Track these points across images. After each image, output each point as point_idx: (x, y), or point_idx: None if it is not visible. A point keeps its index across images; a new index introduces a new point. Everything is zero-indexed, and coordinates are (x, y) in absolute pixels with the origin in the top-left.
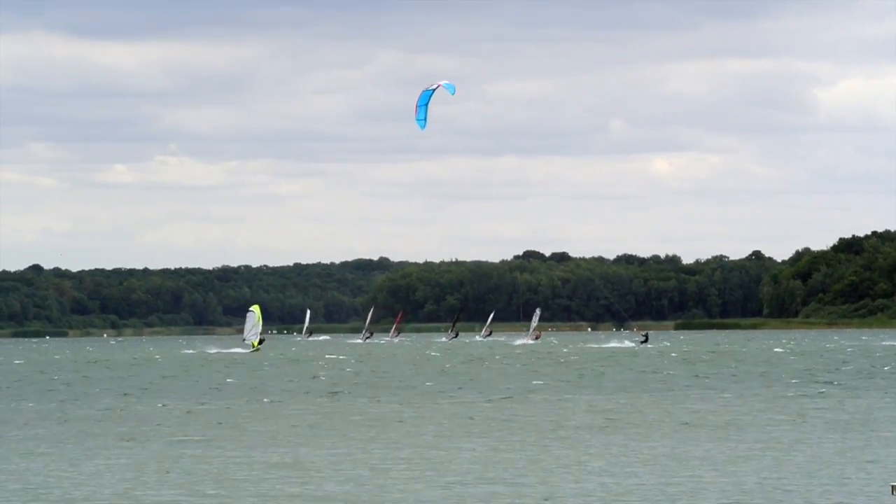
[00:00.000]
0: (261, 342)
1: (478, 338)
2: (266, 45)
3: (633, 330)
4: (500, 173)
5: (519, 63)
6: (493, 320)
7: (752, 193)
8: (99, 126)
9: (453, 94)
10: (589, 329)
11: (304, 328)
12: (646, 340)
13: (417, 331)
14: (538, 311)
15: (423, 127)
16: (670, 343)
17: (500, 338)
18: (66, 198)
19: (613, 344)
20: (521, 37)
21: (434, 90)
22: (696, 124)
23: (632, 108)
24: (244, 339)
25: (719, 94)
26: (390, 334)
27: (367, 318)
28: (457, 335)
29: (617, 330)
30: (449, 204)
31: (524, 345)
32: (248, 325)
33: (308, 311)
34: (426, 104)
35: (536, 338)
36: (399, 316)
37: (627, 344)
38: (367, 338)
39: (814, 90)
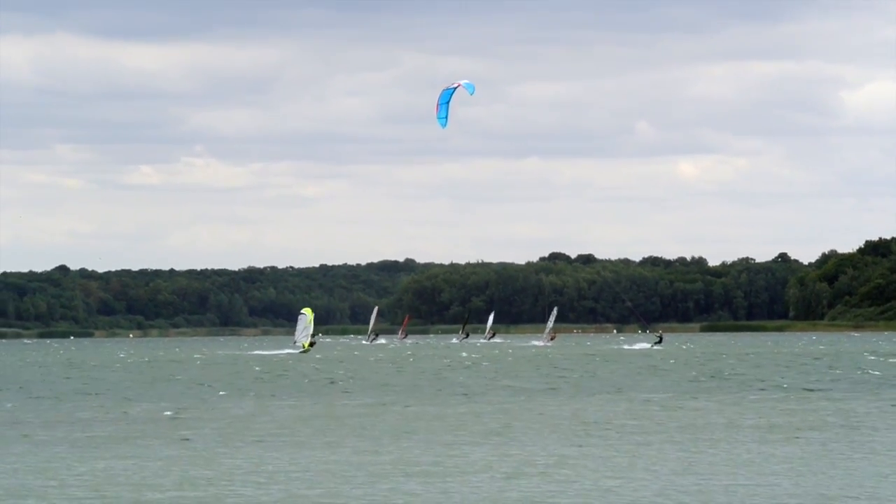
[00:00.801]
0: (312, 344)
1: (481, 340)
2: (291, 48)
3: (658, 332)
4: (525, 175)
5: (544, 65)
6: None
7: (778, 196)
8: (125, 128)
9: (472, 94)
10: (615, 331)
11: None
12: (660, 341)
13: (444, 332)
14: (555, 312)
15: (444, 125)
16: (686, 345)
17: (498, 340)
18: (92, 199)
19: (635, 346)
20: (545, 39)
21: (454, 89)
22: (722, 127)
23: (657, 111)
24: (295, 342)
25: (745, 97)
26: (398, 336)
27: (371, 321)
28: (468, 336)
29: (642, 332)
30: (474, 206)
31: (539, 346)
32: (299, 327)
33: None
34: (447, 103)
35: (552, 339)
36: (406, 318)
37: (642, 346)
38: (372, 339)
39: (840, 93)
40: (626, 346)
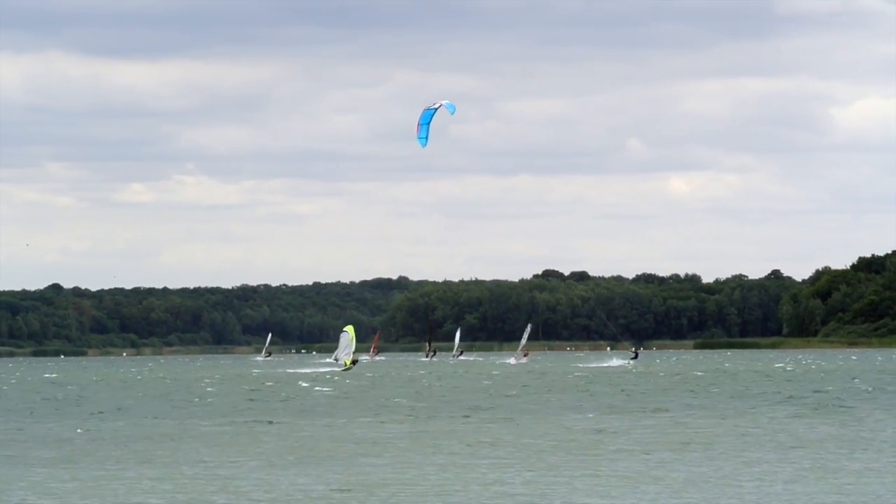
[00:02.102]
0: (354, 362)
1: (450, 359)
2: (283, 65)
3: (633, 349)
4: (518, 192)
5: (536, 82)
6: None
7: (771, 212)
8: (116, 145)
9: (453, 114)
10: (608, 348)
11: (264, 349)
12: (635, 358)
13: (440, 350)
14: (528, 329)
15: (424, 145)
16: (659, 361)
17: (466, 358)
18: (84, 217)
19: (609, 363)
20: (538, 56)
21: (436, 110)
22: (714, 143)
23: (649, 128)
24: (336, 359)
25: (736, 114)
26: (369, 354)
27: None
28: (435, 353)
29: (635, 349)
30: (468, 223)
31: (509, 364)
32: (341, 345)
33: (270, 335)
34: (428, 123)
35: (525, 356)
36: (377, 335)
37: (618, 363)
38: (336, 358)
39: (830, 109)
40: (600, 364)
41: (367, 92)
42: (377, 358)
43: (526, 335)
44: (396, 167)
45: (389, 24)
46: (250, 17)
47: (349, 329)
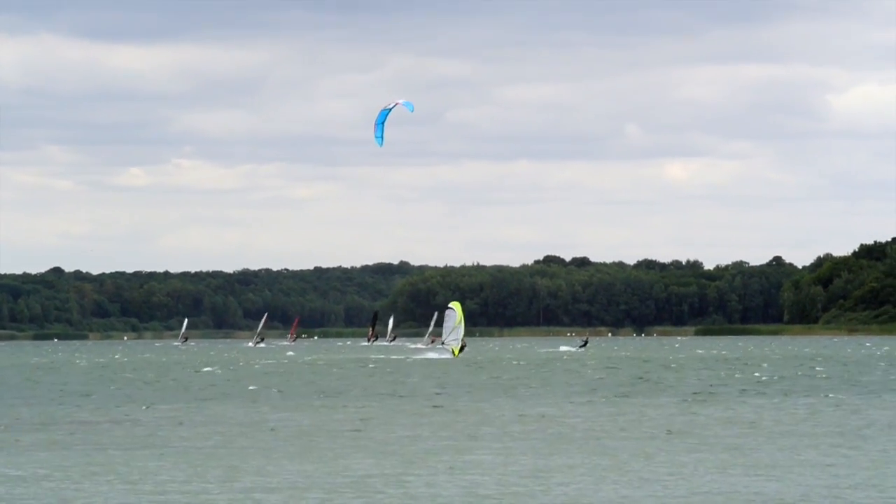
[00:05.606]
0: (462, 347)
1: (384, 342)
2: (278, 49)
3: (584, 336)
4: (516, 178)
5: (533, 68)
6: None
7: (770, 199)
8: (113, 129)
9: (412, 112)
10: (609, 334)
11: (180, 334)
12: (584, 345)
13: (440, 335)
14: (435, 317)
15: (380, 144)
16: (604, 349)
17: (398, 343)
18: (83, 200)
19: (560, 349)
20: (534, 42)
21: (391, 109)
22: (711, 130)
23: (646, 114)
24: (443, 343)
25: (733, 100)
26: (288, 338)
27: (259, 325)
28: (377, 338)
29: (637, 335)
30: (468, 208)
31: (418, 349)
32: (447, 326)
33: (186, 320)
34: (383, 123)
35: (432, 342)
36: (296, 321)
37: (567, 349)
38: (257, 342)
39: (827, 96)
40: (547, 350)
41: (362, 77)
42: (294, 343)
43: (433, 323)
44: (393, 152)
45: (384, 9)
46: (244, 1)
47: (456, 307)
